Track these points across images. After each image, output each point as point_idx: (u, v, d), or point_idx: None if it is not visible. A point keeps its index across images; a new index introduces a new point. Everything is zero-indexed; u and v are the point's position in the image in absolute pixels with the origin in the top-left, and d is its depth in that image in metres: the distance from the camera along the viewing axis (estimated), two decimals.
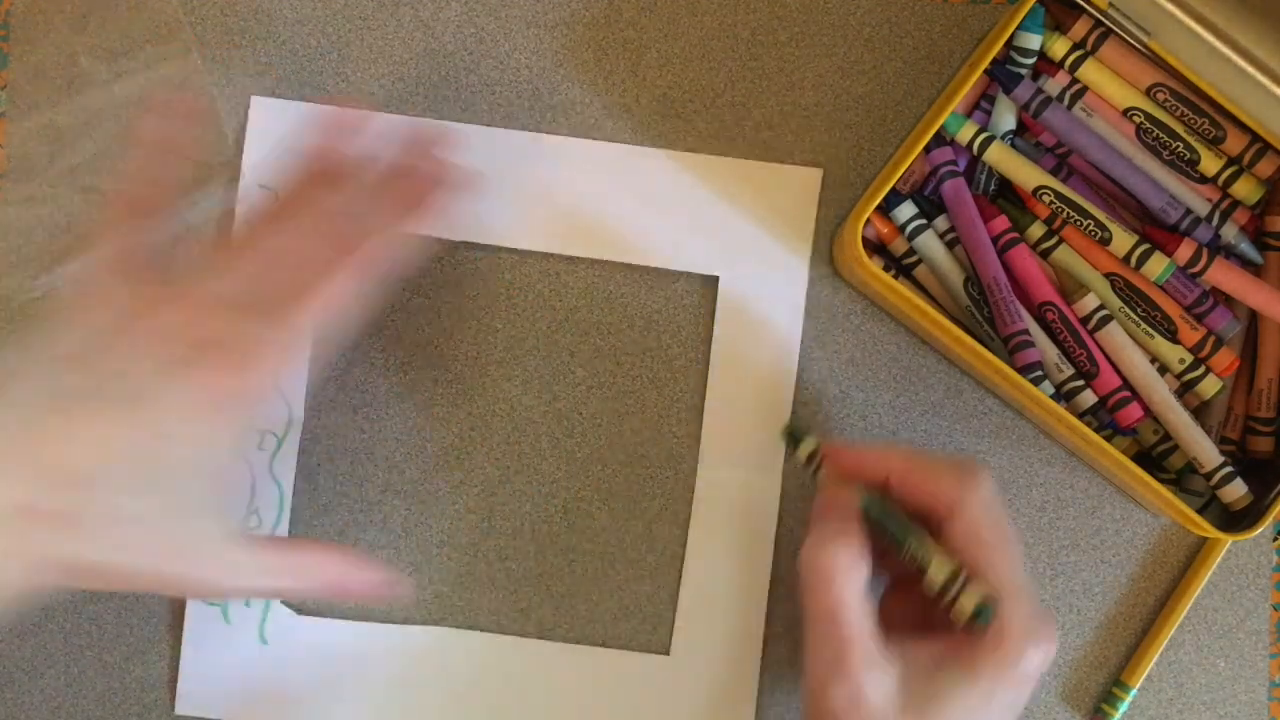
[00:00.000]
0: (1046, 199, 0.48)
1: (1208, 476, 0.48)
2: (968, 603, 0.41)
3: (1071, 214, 0.48)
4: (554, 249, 0.51)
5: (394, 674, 0.50)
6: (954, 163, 0.49)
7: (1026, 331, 0.48)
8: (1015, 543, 0.43)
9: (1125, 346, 0.48)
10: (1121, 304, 0.49)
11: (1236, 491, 0.48)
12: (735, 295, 0.51)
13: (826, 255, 0.51)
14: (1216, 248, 0.49)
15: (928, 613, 0.44)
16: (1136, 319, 0.49)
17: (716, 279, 0.51)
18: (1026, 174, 0.48)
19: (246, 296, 0.39)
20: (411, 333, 0.51)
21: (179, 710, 0.50)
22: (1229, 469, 0.47)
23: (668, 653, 0.50)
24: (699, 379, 0.51)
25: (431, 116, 0.51)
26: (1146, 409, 0.48)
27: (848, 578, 0.41)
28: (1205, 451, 0.48)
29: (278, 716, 0.50)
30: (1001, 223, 0.49)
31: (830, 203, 0.51)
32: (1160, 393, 0.48)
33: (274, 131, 0.51)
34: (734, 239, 0.51)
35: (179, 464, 0.38)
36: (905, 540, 0.43)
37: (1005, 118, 0.49)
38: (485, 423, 0.51)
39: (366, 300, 0.42)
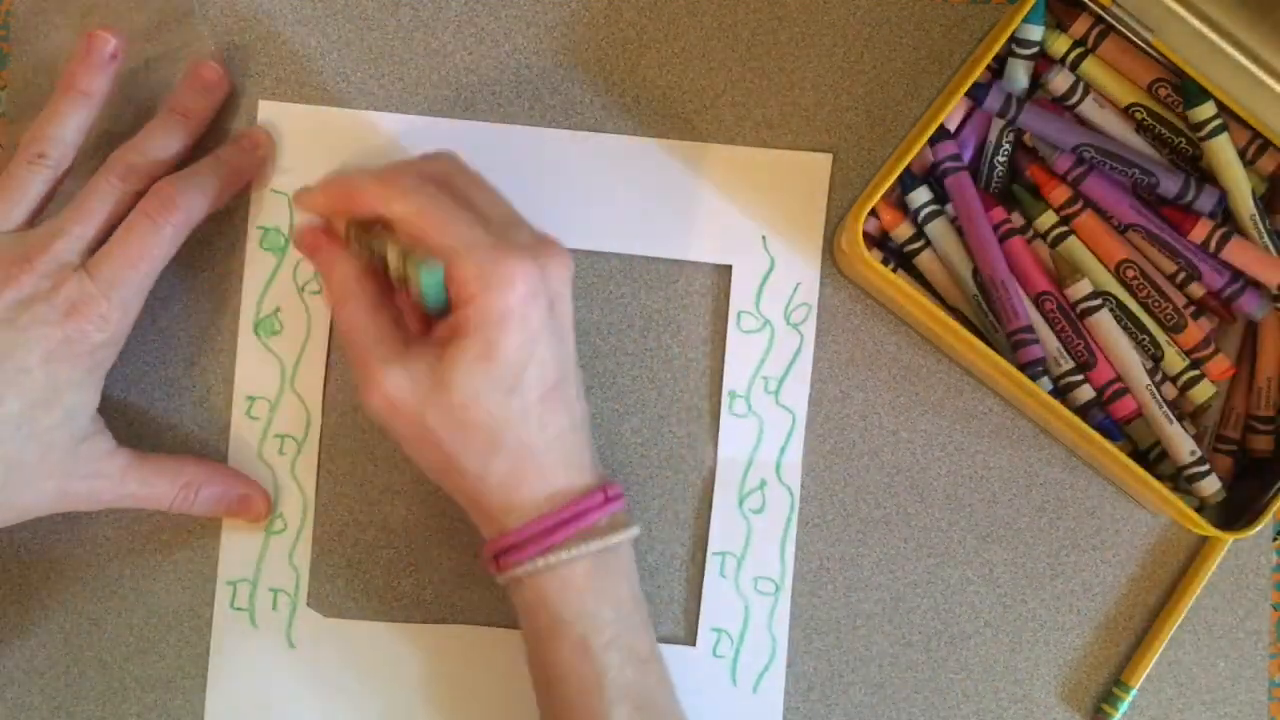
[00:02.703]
0: (1130, 272, 0.49)
1: (1182, 469, 0.48)
2: (413, 273, 0.43)
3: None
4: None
5: (420, 672, 0.50)
6: (957, 156, 0.48)
7: (1030, 328, 0.48)
8: (459, 206, 0.43)
9: (1113, 335, 0.48)
10: (1129, 294, 0.49)
11: (1209, 488, 0.48)
12: (748, 288, 0.51)
13: (828, 254, 0.51)
14: (1233, 228, 0.49)
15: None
16: (1143, 311, 0.49)
17: (730, 268, 0.51)
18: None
19: (76, 256, 0.45)
20: None
21: (209, 718, 0.50)
22: (1203, 466, 0.48)
23: (694, 644, 0.51)
24: (700, 375, 0.51)
25: (432, 115, 0.51)
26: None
27: (347, 300, 0.44)
28: (1179, 446, 0.48)
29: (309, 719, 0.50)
30: (999, 214, 0.49)
31: (831, 201, 0.51)
32: (1142, 384, 0.48)
33: (283, 134, 0.51)
34: (745, 228, 0.51)
35: (34, 401, 0.44)
36: (375, 248, 0.44)
37: (1018, 77, 0.49)
38: None
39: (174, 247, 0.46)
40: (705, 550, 0.51)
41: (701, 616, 0.51)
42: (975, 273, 0.49)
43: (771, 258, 0.51)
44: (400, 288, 0.44)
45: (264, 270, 0.51)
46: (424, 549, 0.51)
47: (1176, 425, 0.48)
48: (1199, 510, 0.47)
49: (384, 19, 0.51)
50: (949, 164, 0.48)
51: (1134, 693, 0.50)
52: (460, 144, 0.49)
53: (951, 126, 0.49)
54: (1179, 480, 0.49)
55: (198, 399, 0.51)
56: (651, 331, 0.51)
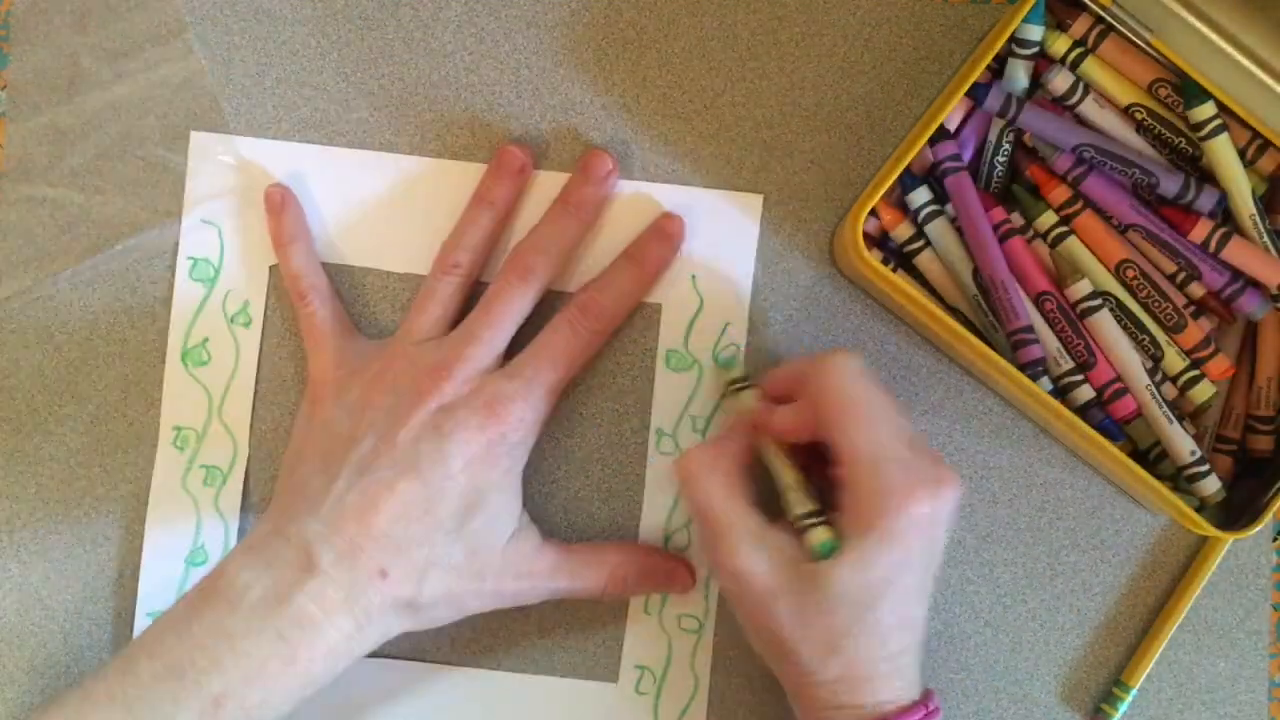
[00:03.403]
0: (1129, 272, 0.49)
1: (1182, 469, 0.48)
2: (813, 538, 0.43)
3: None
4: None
5: (350, 706, 0.50)
6: (957, 156, 0.48)
7: (1030, 328, 0.48)
8: (880, 408, 0.43)
9: (1113, 335, 0.48)
10: (1129, 294, 0.49)
11: (1209, 487, 0.48)
12: (677, 327, 0.51)
13: (827, 254, 0.51)
14: (1233, 228, 0.49)
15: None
16: (1143, 311, 0.49)
17: (659, 306, 0.51)
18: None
19: (491, 360, 0.47)
20: None
21: None
22: (1203, 466, 0.48)
23: (615, 680, 0.50)
24: (627, 413, 0.51)
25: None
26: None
27: (710, 477, 0.44)
28: (1179, 446, 0.48)
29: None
30: (999, 214, 0.49)
31: (830, 201, 0.51)
32: (1142, 384, 0.48)
33: (215, 165, 0.51)
34: (675, 266, 0.51)
35: (462, 506, 0.45)
36: (777, 478, 0.45)
37: (1018, 77, 0.49)
38: None
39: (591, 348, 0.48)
40: None
41: (624, 652, 0.50)
42: (975, 273, 0.49)
43: (701, 296, 0.51)
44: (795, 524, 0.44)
45: (193, 300, 0.51)
46: None
47: (1176, 425, 0.48)
48: (1199, 510, 0.47)
49: (383, 19, 0.51)
50: (949, 164, 0.48)
51: (1134, 693, 0.50)
52: (390, 177, 0.50)
53: (951, 126, 0.49)
54: (1179, 480, 0.49)
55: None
56: (640, 339, 0.51)
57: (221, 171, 0.51)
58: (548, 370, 0.47)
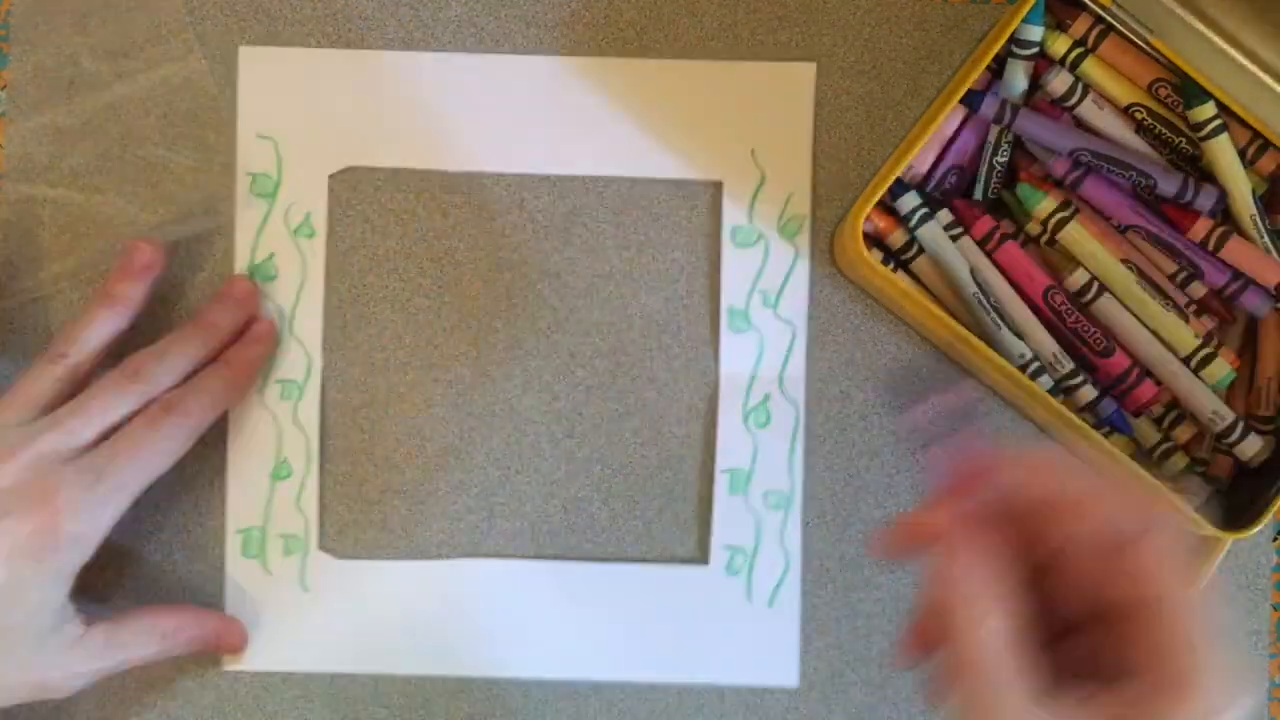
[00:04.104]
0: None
1: (1225, 434, 0.48)
2: None
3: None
4: (553, 170, 0.51)
5: (433, 609, 0.50)
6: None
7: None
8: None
9: (1123, 316, 0.48)
10: (1137, 277, 0.49)
11: (1254, 446, 0.48)
12: (740, 202, 0.51)
13: (827, 253, 0.51)
14: (1233, 228, 0.49)
15: (1075, 646, 0.35)
16: (1149, 294, 0.49)
17: (720, 184, 0.51)
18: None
19: (66, 451, 0.44)
20: (411, 331, 0.51)
21: (226, 666, 0.50)
22: (1243, 424, 0.48)
23: (707, 562, 0.51)
24: (697, 293, 0.51)
25: (425, 51, 0.51)
26: (1157, 382, 0.48)
27: (995, 620, 0.33)
28: (1218, 407, 0.48)
29: (325, 662, 0.50)
30: (988, 222, 0.49)
31: (830, 201, 0.51)
32: (1164, 359, 0.48)
33: (266, 79, 0.51)
34: (733, 142, 0.51)
35: None
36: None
37: (1017, 79, 0.49)
38: (485, 423, 0.51)
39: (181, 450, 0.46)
40: (713, 468, 0.51)
41: (713, 535, 0.51)
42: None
43: (761, 170, 0.51)
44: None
45: (255, 216, 0.51)
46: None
47: (1210, 393, 0.48)
48: (1199, 510, 0.47)
49: (383, 19, 0.51)
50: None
51: None
52: (445, 76, 0.50)
53: (950, 130, 0.49)
54: (1219, 446, 0.49)
55: None
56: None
57: (273, 84, 0.51)
58: (116, 471, 0.44)
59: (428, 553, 0.51)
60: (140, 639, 0.47)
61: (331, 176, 0.51)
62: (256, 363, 0.50)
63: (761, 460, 0.51)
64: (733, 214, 0.51)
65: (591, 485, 0.51)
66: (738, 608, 0.50)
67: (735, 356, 0.51)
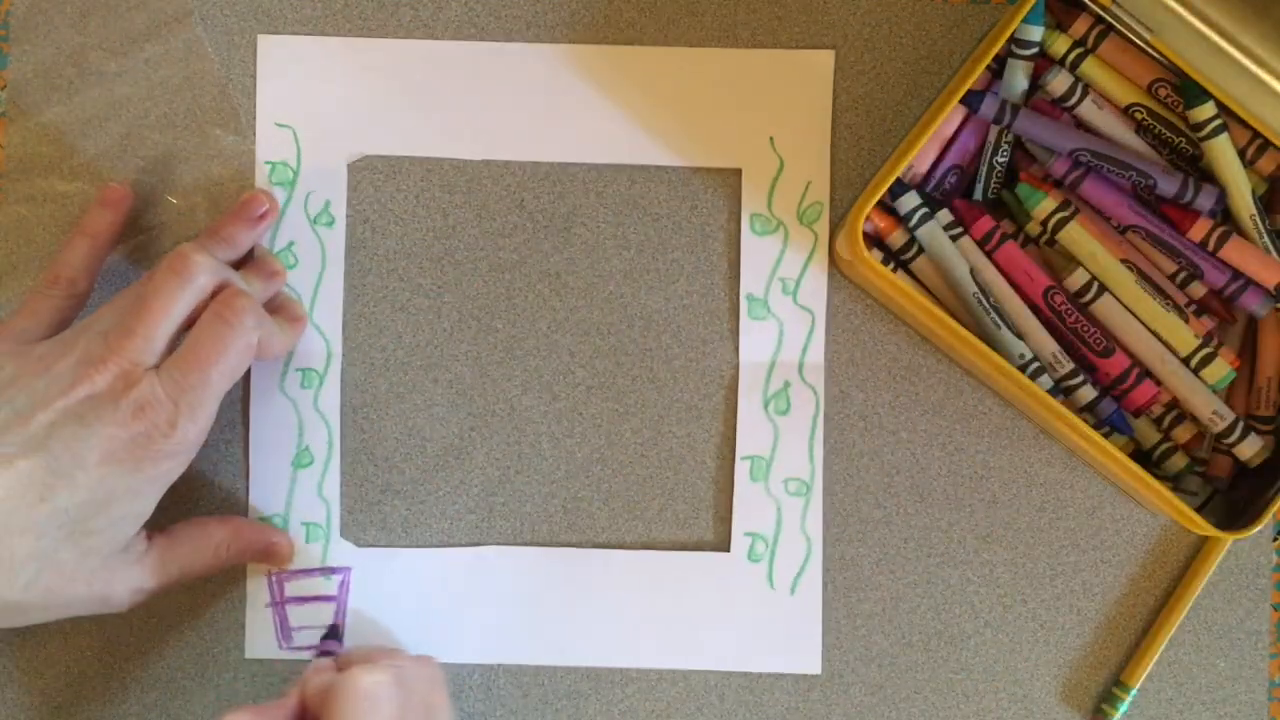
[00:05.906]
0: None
1: (1224, 434, 0.48)
2: None
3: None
4: (568, 157, 0.51)
5: (454, 595, 0.50)
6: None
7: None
8: None
9: (1122, 316, 0.48)
10: (1137, 278, 0.49)
11: (1253, 446, 0.48)
12: (759, 190, 0.51)
13: (828, 254, 0.51)
14: (1232, 228, 0.48)
15: None
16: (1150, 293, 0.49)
17: (739, 171, 0.51)
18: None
19: (150, 357, 0.43)
20: (411, 331, 0.51)
21: (249, 654, 0.50)
22: (1243, 424, 0.48)
23: (728, 549, 0.51)
24: (716, 280, 0.51)
25: (437, 40, 0.51)
26: (1157, 382, 0.48)
27: None
28: (1217, 407, 0.48)
29: (346, 648, 0.50)
30: (987, 223, 0.49)
31: (830, 201, 0.51)
32: (1163, 358, 0.48)
33: (285, 67, 0.51)
34: (752, 130, 0.51)
35: (86, 501, 0.42)
36: None
37: (1017, 79, 0.49)
38: (485, 423, 0.51)
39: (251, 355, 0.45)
40: (734, 455, 0.51)
41: (734, 521, 0.51)
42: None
43: (780, 157, 0.51)
44: None
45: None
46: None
47: (1209, 393, 0.48)
48: (1199, 510, 0.47)
49: (383, 19, 0.51)
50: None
51: (1134, 693, 0.50)
52: (460, 65, 0.50)
53: (950, 130, 0.49)
54: (1218, 446, 0.49)
55: None
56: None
57: (292, 72, 0.51)
58: (197, 372, 0.43)
59: (448, 539, 0.51)
60: (196, 553, 0.47)
61: (350, 164, 0.51)
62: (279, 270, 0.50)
63: (782, 447, 0.51)
64: (752, 201, 0.51)
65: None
66: (760, 595, 0.50)
67: (755, 344, 0.51)
